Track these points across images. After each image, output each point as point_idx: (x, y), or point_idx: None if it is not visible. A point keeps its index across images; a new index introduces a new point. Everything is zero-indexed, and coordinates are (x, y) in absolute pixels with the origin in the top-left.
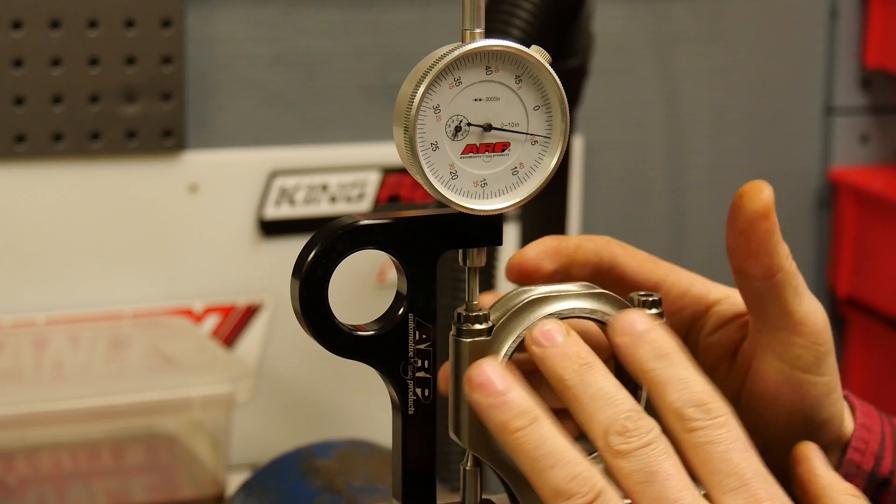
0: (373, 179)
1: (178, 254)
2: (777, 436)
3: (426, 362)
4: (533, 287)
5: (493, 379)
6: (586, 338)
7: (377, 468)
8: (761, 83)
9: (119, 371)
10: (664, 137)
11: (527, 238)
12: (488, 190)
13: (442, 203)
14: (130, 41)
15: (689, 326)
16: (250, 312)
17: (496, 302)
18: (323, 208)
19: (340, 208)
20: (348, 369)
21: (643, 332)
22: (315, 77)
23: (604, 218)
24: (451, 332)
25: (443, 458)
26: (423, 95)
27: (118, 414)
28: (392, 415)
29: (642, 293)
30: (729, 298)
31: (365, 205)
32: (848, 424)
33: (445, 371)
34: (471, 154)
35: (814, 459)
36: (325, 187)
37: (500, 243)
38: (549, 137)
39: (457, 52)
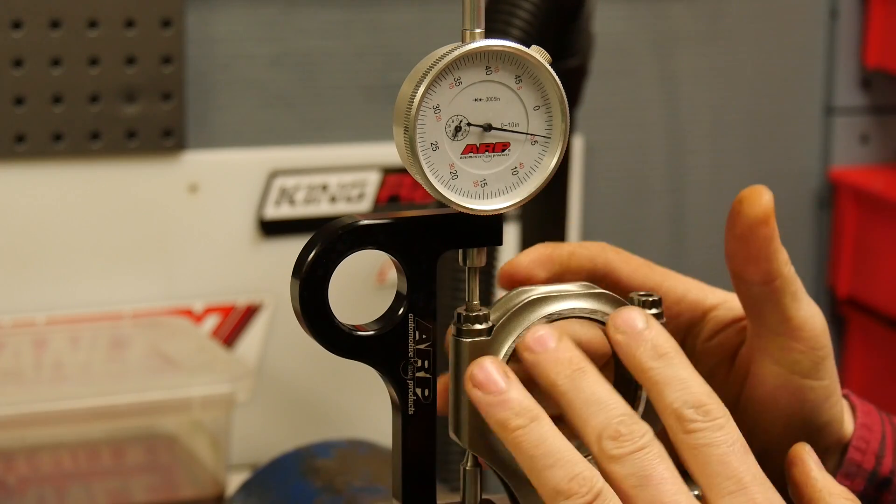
0: (373, 179)
1: (178, 254)
2: (776, 440)
3: (426, 362)
4: (533, 287)
5: (495, 376)
6: (579, 344)
7: (377, 468)
8: (761, 83)
9: (119, 371)
10: (664, 137)
11: (527, 238)
12: (488, 190)
13: (442, 203)
14: (130, 41)
15: (685, 332)
16: (250, 312)
17: (496, 302)
18: (323, 208)
19: (340, 208)
20: (348, 369)
21: (642, 329)
22: (315, 77)
23: (603, 218)
24: (452, 332)
25: (443, 458)
26: (423, 95)
27: (118, 414)
28: (392, 415)
29: (642, 293)
30: (726, 303)
31: (365, 205)
32: (847, 426)
33: (444, 382)
34: (471, 154)
35: (809, 462)
36: (325, 187)
37: (500, 243)
38: (549, 137)
39: (457, 52)
